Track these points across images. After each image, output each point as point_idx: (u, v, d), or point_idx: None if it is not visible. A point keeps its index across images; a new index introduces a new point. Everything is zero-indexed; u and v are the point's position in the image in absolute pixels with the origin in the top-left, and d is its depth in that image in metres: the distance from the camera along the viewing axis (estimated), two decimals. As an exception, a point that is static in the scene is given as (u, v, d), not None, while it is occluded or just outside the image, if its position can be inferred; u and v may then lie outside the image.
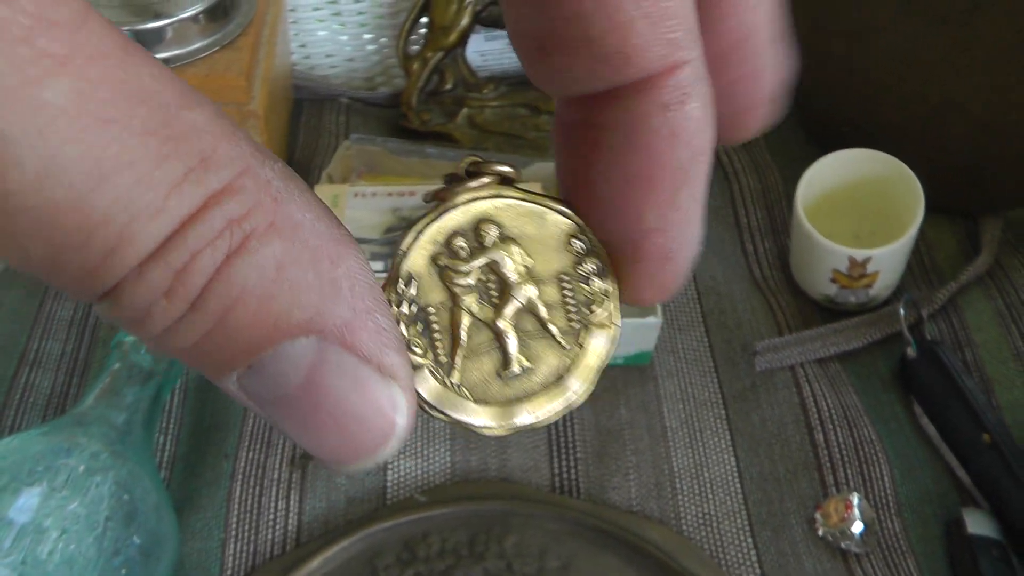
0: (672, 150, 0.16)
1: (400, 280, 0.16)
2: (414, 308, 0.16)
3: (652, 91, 0.15)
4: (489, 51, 0.83)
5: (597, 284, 0.17)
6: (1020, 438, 0.58)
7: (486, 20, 0.77)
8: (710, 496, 0.54)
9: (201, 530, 0.53)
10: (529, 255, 0.17)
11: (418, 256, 0.16)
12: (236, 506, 0.54)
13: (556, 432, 0.57)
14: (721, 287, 0.64)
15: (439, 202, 0.16)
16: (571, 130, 0.17)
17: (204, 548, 0.53)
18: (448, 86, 0.79)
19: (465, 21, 0.76)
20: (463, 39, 0.77)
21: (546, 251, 0.17)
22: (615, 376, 0.59)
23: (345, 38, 0.84)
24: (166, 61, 0.63)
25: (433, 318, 0.16)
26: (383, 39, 0.84)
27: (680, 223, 0.16)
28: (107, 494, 0.47)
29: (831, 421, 0.57)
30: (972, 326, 0.64)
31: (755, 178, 0.72)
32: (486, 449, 0.56)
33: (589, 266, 0.17)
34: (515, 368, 0.17)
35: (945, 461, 0.57)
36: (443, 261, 0.16)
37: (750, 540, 0.52)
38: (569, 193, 0.17)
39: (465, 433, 0.57)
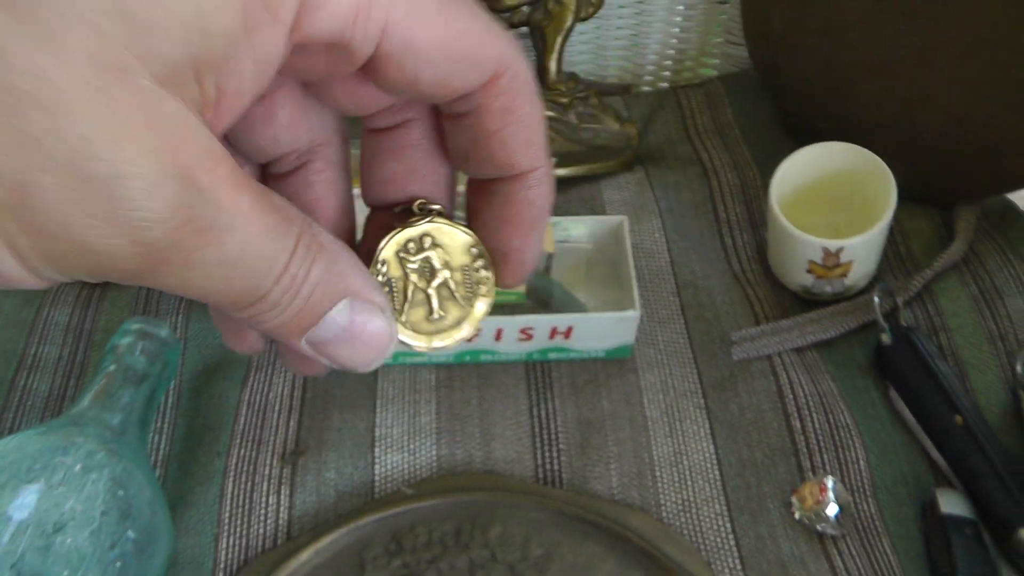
0: (529, 209, 0.27)
1: (378, 263, 0.28)
2: (385, 279, 0.28)
3: (522, 179, 0.27)
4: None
5: (483, 273, 0.29)
6: (994, 420, 0.60)
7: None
8: (689, 483, 0.55)
9: (195, 526, 0.55)
10: (447, 255, 0.28)
11: (388, 251, 0.28)
12: (228, 502, 0.56)
13: (539, 425, 0.58)
14: (700, 281, 0.66)
15: (401, 225, 0.28)
16: (476, 190, 0.28)
17: (198, 544, 0.54)
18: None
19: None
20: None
21: (456, 253, 0.28)
22: (597, 369, 0.61)
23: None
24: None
25: (394, 285, 0.28)
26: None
27: (530, 245, 0.28)
28: (103, 491, 0.48)
29: (807, 407, 0.58)
30: (947, 312, 0.65)
31: (734, 174, 0.74)
32: (471, 443, 0.58)
33: (479, 263, 0.29)
34: (436, 316, 0.29)
35: (920, 444, 0.59)
36: (402, 255, 0.28)
37: (728, 525, 0.54)
38: (471, 222, 0.28)
39: (451, 427, 0.58)
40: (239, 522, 0.55)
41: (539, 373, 0.61)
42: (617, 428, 0.58)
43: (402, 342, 0.29)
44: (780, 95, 0.76)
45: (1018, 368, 0.61)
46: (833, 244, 0.60)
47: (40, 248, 0.19)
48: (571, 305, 0.62)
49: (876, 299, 0.62)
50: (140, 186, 0.19)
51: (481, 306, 0.30)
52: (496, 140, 0.26)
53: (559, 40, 0.77)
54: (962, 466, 0.57)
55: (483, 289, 0.29)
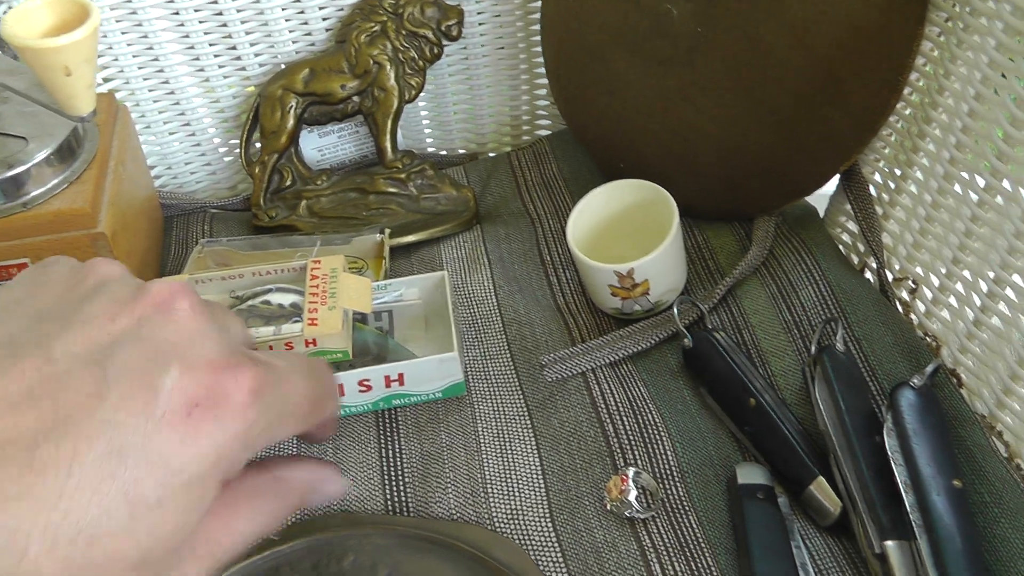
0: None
1: None
2: None
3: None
4: (325, 145, 0.93)
5: None
6: (791, 397, 0.68)
7: (308, 120, 0.88)
8: (517, 494, 0.63)
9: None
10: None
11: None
12: None
13: (387, 464, 0.66)
14: (523, 317, 0.74)
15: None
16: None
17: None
18: (288, 183, 0.89)
19: (291, 124, 0.87)
20: (292, 140, 0.88)
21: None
22: (437, 408, 0.69)
23: (199, 147, 0.94)
24: (24, 204, 0.72)
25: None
26: (236, 147, 0.95)
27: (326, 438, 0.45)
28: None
29: (619, 413, 0.66)
30: (749, 311, 0.74)
31: (556, 220, 0.83)
32: (326, 488, 0.65)
33: None
34: None
35: (727, 428, 0.67)
36: None
37: (550, 525, 0.61)
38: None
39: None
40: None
41: (387, 419, 0.69)
42: (454, 456, 0.65)
43: None
44: (589, 146, 0.85)
45: (812, 349, 0.69)
46: (623, 267, 0.69)
47: None
48: (405, 356, 0.70)
49: (675, 310, 0.71)
50: None
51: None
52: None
53: (389, 123, 0.87)
54: (760, 441, 0.65)
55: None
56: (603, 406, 0.67)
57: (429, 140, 0.99)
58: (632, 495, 0.60)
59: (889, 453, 0.60)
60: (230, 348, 0.33)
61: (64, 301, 0.32)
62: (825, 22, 0.67)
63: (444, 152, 1.00)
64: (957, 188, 0.68)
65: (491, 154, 0.99)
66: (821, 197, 0.84)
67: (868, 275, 0.79)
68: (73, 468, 0.27)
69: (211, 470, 0.30)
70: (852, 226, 0.83)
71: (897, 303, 0.75)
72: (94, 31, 0.65)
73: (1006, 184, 0.63)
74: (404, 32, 0.85)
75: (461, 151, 1.00)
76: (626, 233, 0.75)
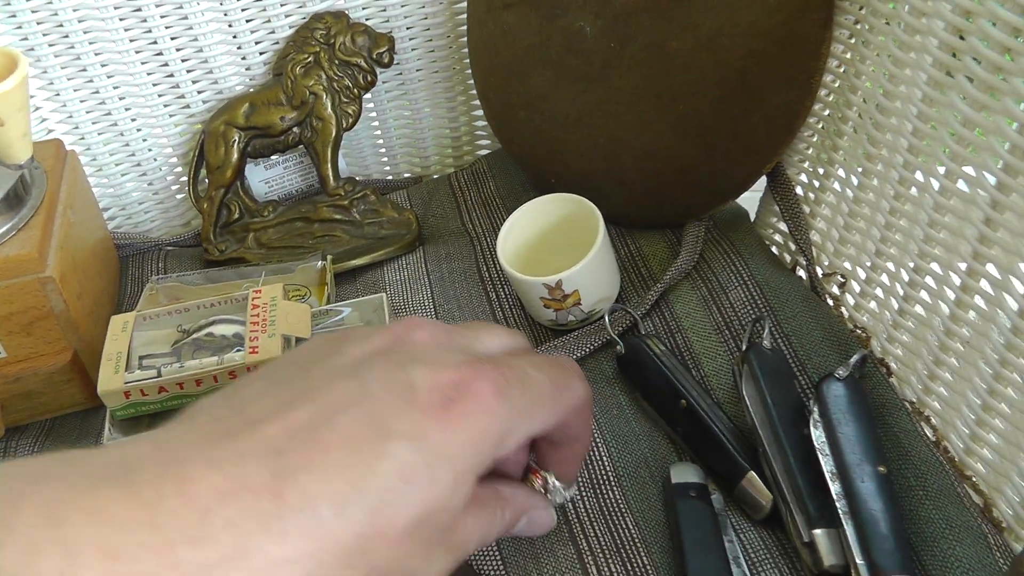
0: (572, 454, 0.56)
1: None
2: None
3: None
4: (272, 177, 0.95)
5: None
6: (723, 396, 0.70)
7: (252, 153, 0.90)
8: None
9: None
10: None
11: None
12: None
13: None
14: (460, 333, 0.76)
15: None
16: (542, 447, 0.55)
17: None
18: (236, 216, 0.91)
19: (235, 158, 0.89)
20: (237, 174, 0.90)
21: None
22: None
23: (151, 187, 0.96)
24: (-28, 254, 0.74)
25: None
26: (184, 182, 0.97)
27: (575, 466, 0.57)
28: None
29: (555, 421, 0.68)
30: (681, 314, 0.76)
31: (493, 237, 0.85)
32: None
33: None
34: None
35: (662, 431, 0.69)
36: None
37: (490, 533, 0.63)
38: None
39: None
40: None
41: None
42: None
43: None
44: (520, 163, 0.88)
45: (743, 347, 0.71)
46: (551, 279, 0.71)
47: None
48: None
49: (607, 318, 0.73)
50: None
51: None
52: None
53: (329, 151, 0.89)
54: (692, 440, 0.67)
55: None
56: (539, 416, 0.69)
57: (374, 166, 1.01)
58: (552, 481, 0.62)
59: (815, 444, 0.62)
60: (470, 355, 0.39)
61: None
62: (733, 32, 0.69)
63: (390, 177, 1.02)
64: (875, 182, 0.70)
65: (435, 176, 1.01)
66: (751, 199, 0.86)
67: (800, 273, 0.81)
68: (349, 448, 0.33)
69: (470, 459, 0.36)
70: (783, 226, 0.85)
71: (828, 298, 0.77)
72: (23, 80, 0.67)
73: (919, 175, 0.65)
74: (337, 61, 0.87)
75: (406, 175, 1.02)
76: (557, 247, 0.77)
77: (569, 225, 0.76)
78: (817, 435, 0.63)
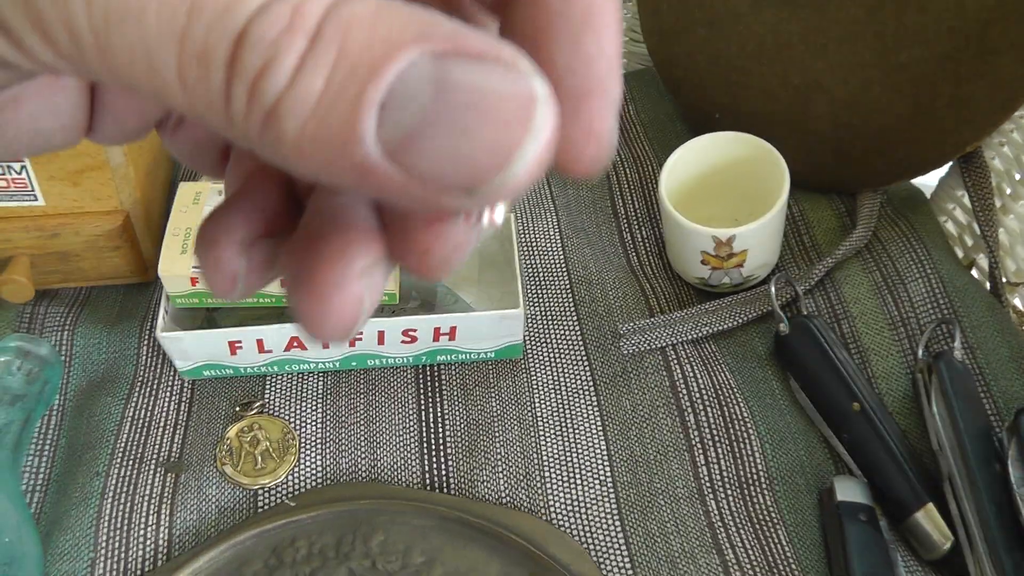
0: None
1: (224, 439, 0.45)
2: (227, 447, 0.46)
3: None
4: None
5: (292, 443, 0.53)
6: (894, 404, 0.59)
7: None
8: (579, 482, 0.54)
9: (70, 551, 0.53)
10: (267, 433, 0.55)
11: (232, 432, 0.50)
12: (106, 524, 0.54)
13: (426, 430, 0.57)
14: (593, 276, 0.65)
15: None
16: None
17: (72, 569, 0.52)
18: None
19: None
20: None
21: (274, 432, 0.56)
22: (488, 370, 0.59)
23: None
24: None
25: (233, 450, 0.51)
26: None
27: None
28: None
29: (702, 402, 0.57)
30: (849, 299, 0.64)
31: (633, 169, 0.73)
32: (357, 451, 0.56)
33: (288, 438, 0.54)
34: (259, 467, 0.54)
35: (820, 432, 0.58)
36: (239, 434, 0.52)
37: (618, 524, 0.52)
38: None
39: (337, 437, 0.56)
40: (117, 544, 0.53)
41: (428, 377, 0.59)
42: (506, 429, 0.56)
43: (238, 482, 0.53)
44: (677, 90, 0.75)
45: (919, 352, 0.60)
46: (724, 233, 0.59)
47: None
48: (457, 305, 0.60)
49: (772, 289, 0.61)
50: None
51: (291, 459, 0.55)
52: None
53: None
54: (860, 452, 0.56)
55: (291, 452, 0.55)
56: (684, 391, 0.58)
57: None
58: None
59: (1015, 487, 0.52)
60: None
61: None
62: (988, -27, 0.57)
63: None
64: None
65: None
66: (924, 181, 0.75)
67: (974, 274, 0.70)
68: None
69: None
70: (960, 215, 0.73)
71: (1010, 311, 0.66)
72: None
73: None
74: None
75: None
76: (720, 194, 0.65)
77: (740, 172, 0.64)
78: (1017, 476, 0.52)
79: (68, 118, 0.20)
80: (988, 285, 0.67)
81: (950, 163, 0.72)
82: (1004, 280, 0.67)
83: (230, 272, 0.19)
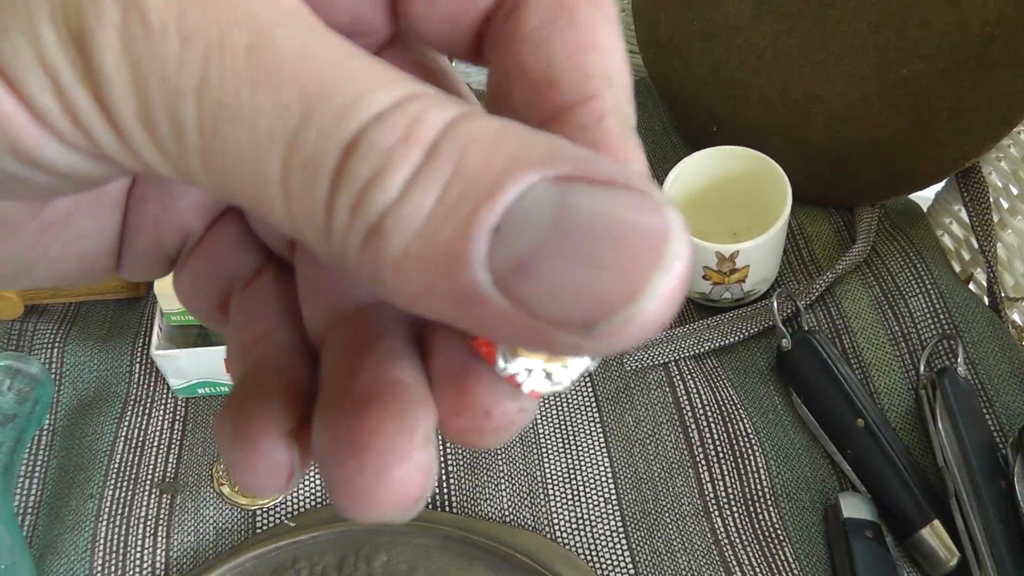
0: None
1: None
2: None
3: (570, 114, 0.16)
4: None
5: None
6: (896, 420, 0.59)
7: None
8: (583, 500, 0.53)
9: (64, 575, 0.52)
10: None
11: None
12: (101, 548, 0.52)
13: (428, 447, 0.56)
14: (595, 291, 0.64)
15: None
16: None
17: (66, 592, 0.51)
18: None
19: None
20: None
21: None
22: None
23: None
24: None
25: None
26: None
27: None
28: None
29: (705, 419, 0.56)
30: (850, 314, 0.64)
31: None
32: (356, 469, 0.55)
33: None
34: None
35: (823, 448, 0.57)
36: None
37: (623, 541, 0.52)
38: None
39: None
40: (113, 569, 0.52)
41: (430, 394, 0.58)
42: (508, 446, 0.55)
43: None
44: (673, 102, 0.75)
45: (921, 367, 0.60)
46: (727, 248, 0.59)
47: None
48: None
49: (775, 304, 0.61)
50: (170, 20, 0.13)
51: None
52: (532, 43, 0.16)
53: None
54: (865, 469, 0.56)
55: None
56: (687, 407, 0.57)
57: (479, 79, 0.88)
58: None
59: (1021, 504, 0.51)
60: None
61: None
62: (990, -9, 0.57)
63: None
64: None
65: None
66: (920, 195, 0.75)
67: (972, 288, 0.70)
68: None
69: None
70: (957, 230, 0.73)
71: (1009, 325, 0.66)
72: None
73: None
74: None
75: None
76: (719, 208, 0.65)
77: (741, 187, 0.64)
78: (1023, 492, 0.52)
79: (108, 243, 0.19)
80: (987, 300, 0.67)
81: (947, 178, 0.72)
82: (1003, 295, 0.67)
83: (283, 470, 0.17)
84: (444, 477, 0.54)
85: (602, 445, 0.56)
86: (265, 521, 0.53)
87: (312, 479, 0.55)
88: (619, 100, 0.16)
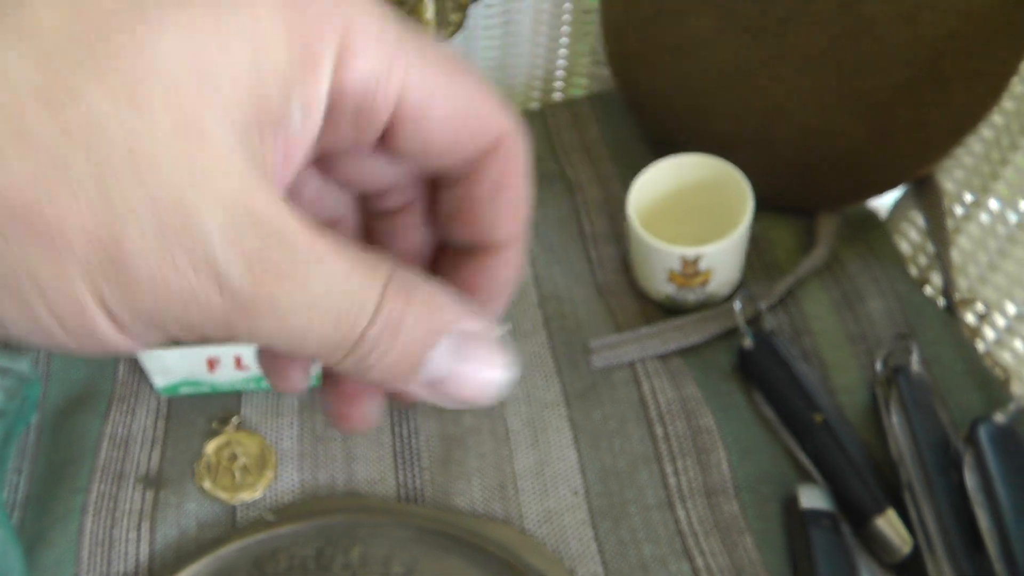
0: (495, 282, 0.28)
1: (204, 455, 0.54)
2: (206, 461, 0.56)
3: (495, 252, 0.27)
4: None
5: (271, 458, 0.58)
6: (854, 416, 0.61)
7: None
8: (552, 493, 0.55)
9: (52, 567, 0.53)
10: (246, 449, 0.58)
11: (211, 447, 0.59)
12: (87, 540, 0.54)
13: (401, 443, 0.58)
14: (562, 292, 0.66)
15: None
16: (445, 256, 0.29)
17: (53, 583, 0.52)
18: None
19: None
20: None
21: (252, 448, 0.59)
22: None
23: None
24: None
25: (211, 464, 0.57)
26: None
27: (494, 312, 0.29)
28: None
29: (670, 414, 0.59)
30: (810, 315, 0.67)
31: (598, 189, 0.75)
32: (334, 465, 0.57)
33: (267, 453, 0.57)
34: (237, 481, 0.57)
35: (783, 443, 0.60)
36: (218, 448, 0.58)
37: (591, 532, 0.54)
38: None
39: (314, 451, 0.58)
40: (99, 560, 0.54)
41: (405, 392, 0.60)
42: (479, 442, 0.58)
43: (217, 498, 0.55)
44: (641, 112, 0.78)
45: (877, 366, 0.62)
46: (691, 252, 0.62)
47: (132, 304, 0.19)
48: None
49: (737, 305, 0.63)
50: (218, 236, 0.19)
51: (269, 473, 0.57)
52: (482, 209, 0.25)
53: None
54: (823, 461, 0.58)
55: (269, 467, 0.56)
56: (652, 404, 0.59)
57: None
58: None
59: (971, 494, 0.54)
60: None
61: None
62: (939, 6, 0.60)
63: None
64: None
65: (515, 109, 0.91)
66: (877, 203, 0.78)
67: (928, 291, 0.72)
68: None
69: None
70: (915, 236, 0.76)
71: (963, 327, 0.69)
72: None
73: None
74: (453, -38, 0.77)
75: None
76: (684, 214, 0.67)
77: (705, 193, 0.67)
78: (972, 483, 0.55)
79: None
80: (942, 302, 0.70)
81: (905, 186, 0.75)
82: (958, 297, 0.70)
83: (300, 388, 0.28)
84: (418, 471, 0.56)
85: (570, 440, 0.58)
86: (245, 515, 0.55)
87: (290, 477, 0.57)
88: (522, 249, 0.27)
